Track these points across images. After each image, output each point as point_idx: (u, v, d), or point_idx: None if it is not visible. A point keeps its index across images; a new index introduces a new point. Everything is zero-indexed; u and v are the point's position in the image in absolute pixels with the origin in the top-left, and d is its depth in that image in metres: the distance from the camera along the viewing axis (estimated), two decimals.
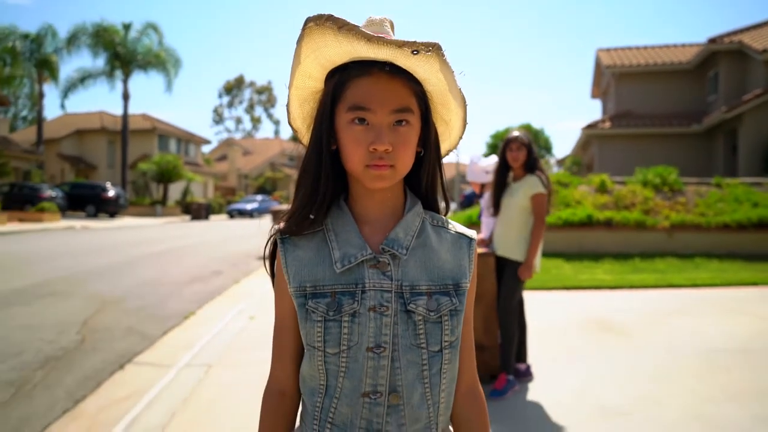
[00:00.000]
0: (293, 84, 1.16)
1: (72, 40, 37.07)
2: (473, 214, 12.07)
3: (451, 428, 1.23)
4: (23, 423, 4.00)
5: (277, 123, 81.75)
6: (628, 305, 7.67)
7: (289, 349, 1.22)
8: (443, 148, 1.25)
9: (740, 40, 23.25)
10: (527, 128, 44.54)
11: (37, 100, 38.96)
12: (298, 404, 1.25)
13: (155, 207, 37.58)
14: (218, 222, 34.66)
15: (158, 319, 7.16)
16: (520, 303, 4.69)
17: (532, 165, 4.53)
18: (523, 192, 4.45)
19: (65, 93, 38.20)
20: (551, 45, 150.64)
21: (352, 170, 1.13)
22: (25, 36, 36.35)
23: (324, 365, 1.12)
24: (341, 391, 1.12)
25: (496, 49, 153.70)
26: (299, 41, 1.06)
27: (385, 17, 1.18)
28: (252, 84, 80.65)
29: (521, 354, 4.71)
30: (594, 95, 35.31)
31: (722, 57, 24.09)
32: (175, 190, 42.70)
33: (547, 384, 4.64)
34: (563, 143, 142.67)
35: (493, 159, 5.10)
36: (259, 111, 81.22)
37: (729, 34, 24.22)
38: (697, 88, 26.14)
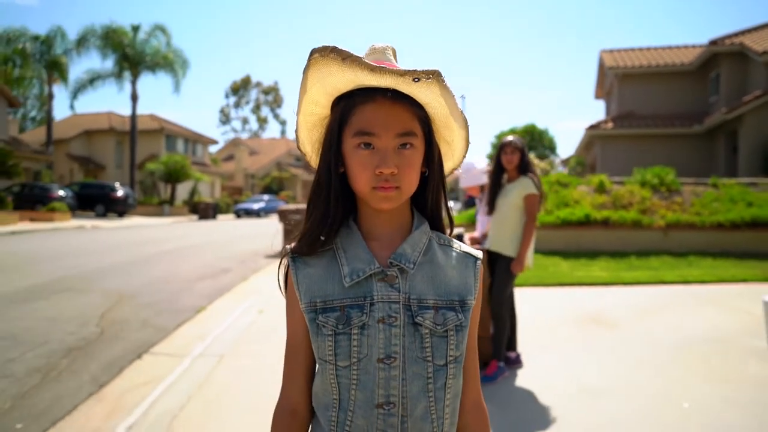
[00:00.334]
0: (301, 111, 1.21)
1: (81, 42, 37.48)
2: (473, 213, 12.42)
3: None
4: (54, 403, 4.38)
5: (283, 123, 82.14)
6: (619, 300, 8.02)
7: (301, 368, 1.25)
8: (447, 167, 1.30)
9: (741, 42, 23.52)
10: (532, 128, 44.75)
11: (46, 101, 39.45)
12: (309, 424, 1.27)
13: (163, 207, 37.99)
14: (226, 221, 35.05)
15: (172, 312, 7.54)
16: (511, 296, 5.05)
17: (524, 167, 4.90)
18: (516, 192, 4.81)
19: (75, 94, 38.62)
20: (557, 45, 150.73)
21: (360, 192, 1.17)
22: (36, 38, 36.78)
23: (336, 379, 1.15)
24: (355, 404, 1.14)
25: (502, 49, 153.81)
26: (305, 71, 1.10)
27: (387, 45, 1.24)
28: (258, 84, 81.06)
29: (512, 343, 5.08)
30: (598, 96, 35.58)
31: (723, 58, 24.35)
32: (182, 190, 43.10)
33: (535, 370, 5.01)
34: (568, 143, 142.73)
35: (485, 162, 5.46)
36: (265, 111, 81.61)
37: (730, 36, 24.48)
38: (699, 89, 26.40)
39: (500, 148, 4.90)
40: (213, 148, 61.09)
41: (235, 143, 67.59)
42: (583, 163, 30.84)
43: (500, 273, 4.83)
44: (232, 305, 8.02)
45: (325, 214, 1.19)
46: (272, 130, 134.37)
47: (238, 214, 42.41)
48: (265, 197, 46.86)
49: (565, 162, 40.21)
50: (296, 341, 1.24)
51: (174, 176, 38.54)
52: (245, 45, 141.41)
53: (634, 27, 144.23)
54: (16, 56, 36.38)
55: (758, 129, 21.42)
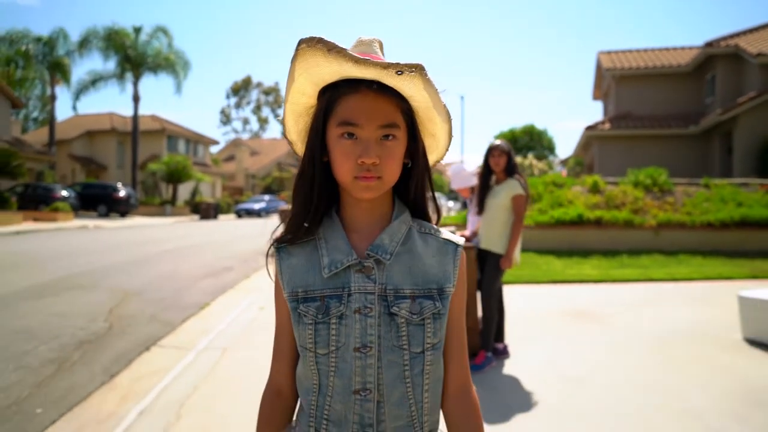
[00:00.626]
0: (288, 100, 1.24)
1: (84, 43, 37.75)
2: None
3: (444, 429, 1.30)
4: (69, 391, 4.68)
5: (284, 124, 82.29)
6: (607, 297, 8.33)
7: (286, 352, 1.30)
8: (431, 159, 1.32)
9: (736, 44, 23.81)
10: (531, 128, 45.09)
11: (48, 101, 39.74)
12: (295, 404, 1.33)
13: (165, 207, 38.28)
14: (227, 221, 35.31)
15: (177, 308, 7.84)
16: (500, 290, 5.35)
17: (511, 170, 5.20)
18: (505, 193, 5.11)
19: (77, 95, 38.91)
20: (556, 46, 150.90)
21: (342, 181, 1.20)
22: (38, 39, 37.07)
23: (316, 365, 1.20)
24: (333, 390, 1.19)
25: (501, 49, 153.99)
26: (293, 61, 1.12)
27: (374, 38, 1.27)
28: (259, 85, 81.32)
29: (499, 335, 5.38)
30: (595, 97, 35.87)
31: (719, 60, 24.64)
32: (184, 190, 43.39)
33: (521, 360, 5.32)
34: (568, 143, 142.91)
35: (476, 164, 5.77)
36: (266, 112, 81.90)
37: (725, 38, 24.77)
38: (695, 90, 26.69)
39: (488, 152, 5.21)
40: (214, 149, 61.43)
41: (236, 144, 67.86)
42: (581, 164, 31.15)
43: (489, 269, 5.12)
44: (234, 302, 8.31)
45: (308, 201, 1.23)
46: (273, 130, 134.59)
47: (239, 214, 42.67)
48: (266, 197, 47.08)
49: (563, 162, 40.53)
50: (282, 327, 1.29)
51: (175, 176, 38.84)
52: (246, 46, 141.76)
53: (634, 27, 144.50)
54: (19, 57, 36.73)
55: (752, 130, 21.70)
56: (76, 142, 43.07)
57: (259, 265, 12.56)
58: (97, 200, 33.23)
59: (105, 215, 32.94)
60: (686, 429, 3.78)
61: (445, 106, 1.18)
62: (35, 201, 28.17)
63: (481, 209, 5.28)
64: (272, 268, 1.28)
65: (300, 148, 1.32)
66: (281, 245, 1.27)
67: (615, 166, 23.36)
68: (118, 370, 5.25)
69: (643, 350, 5.64)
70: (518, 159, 26.72)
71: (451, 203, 43.74)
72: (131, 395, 4.63)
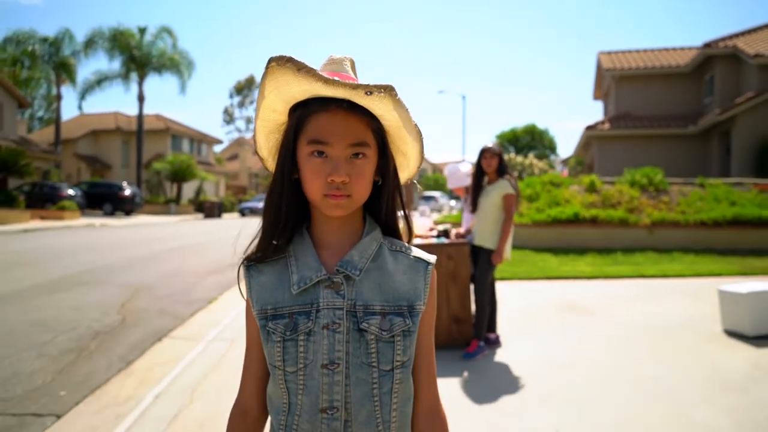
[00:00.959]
0: (259, 116, 1.24)
1: (89, 44, 38.20)
2: None
3: None
4: (89, 377, 5.02)
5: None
6: (599, 292, 8.66)
7: (255, 370, 1.29)
8: (402, 176, 1.33)
9: (734, 45, 24.05)
10: (532, 128, 45.45)
11: (53, 100, 40.09)
12: (262, 425, 1.32)
13: (169, 205, 38.67)
14: (231, 220, 35.64)
15: (185, 303, 8.18)
16: (492, 283, 5.68)
17: (502, 171, 5.54)
18: (496, 193, 5.45)
19: (83, 95, 39.35)
20: (558, 45, 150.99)
21: (312, 199, 1.20)
22: (44, 39, 37.51)
23: (285, 384, 1.18)
24: (301, 408, 1.17)
25: (503, 49, 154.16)
26: (263, 78, 1.13)
27: (345, 56, 1.27)
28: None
29: (492, 325, 5.71)
30: (596, 97, 36.12)
31: (717, 61, 24.88)
32: (188, 189, 43.73)
33: (512, 349, 5.66)
34: (569, 143, 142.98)
35: (469, 165, 6.11)
36: None
37: (724, 39, 25.02)
38: (694, 91, 26.92)
39: (480, 154, 5.54)
40: (217, 148, 61.79)
41: (239, 143, 68.22)
42: (582, 163, 31.42)
43: (482, 263, 5.46)
44: (240, 297, 8.62)
45: (277, 219, 1.22)
46: None
47: (243, 212, 42.94)
48: None
49: (565, 162, 40.83)
50: (252, 346, 1.28)
51: (180, 175, 39.20)
52: (249, 45, 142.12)
53: (635, 28, 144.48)
54: (25, 57, 37.16)
55: (750, 130, 21.96)
56: (81, 142, 43.43)
57: None
58: (102, 199, 33.62)
59: (110, 214, 33.31)
60: (663, 410, 4.11)
61: (416, 125, 1.20)
62: (42, 200, 28.55)
63: (474, 208, 5.61)
64: (243, 286, 1.27)
65: (271, 165, 1.32)
66: (251, 263, 1.25)
67: (615, 166, 23.62)
68: (133, 359, 5.59)
69: (630, 341, 5.97)
70: (519, 158, 27.08)
71: (453, 202, 44.06)
72: (147, 381, 4.97)
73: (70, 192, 30.08)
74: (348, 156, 1.16)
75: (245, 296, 1.27)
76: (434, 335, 1.29)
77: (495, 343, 5.69)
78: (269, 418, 1.27)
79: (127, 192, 33.69)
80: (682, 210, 14.32)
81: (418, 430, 1.26)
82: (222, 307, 8.00)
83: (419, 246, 1.38)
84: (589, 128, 27.29)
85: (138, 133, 39.75)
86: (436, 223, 14.98)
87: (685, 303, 7.83)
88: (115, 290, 9.00)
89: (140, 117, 39.79)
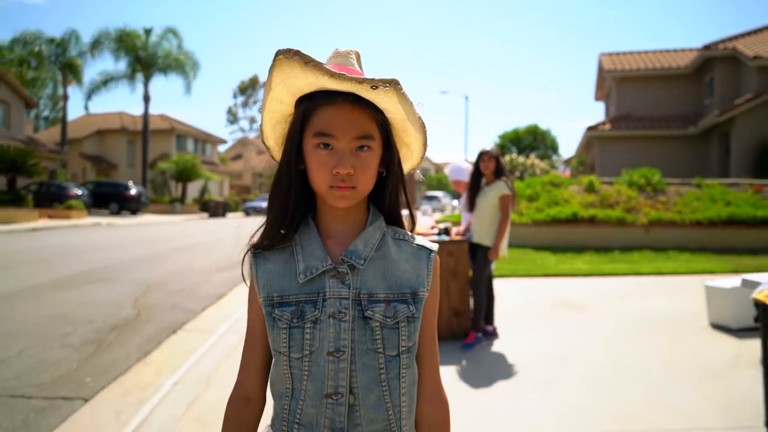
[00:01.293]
0: (266, 107, 1.26)
1: (95, 45, 38.56)
2: None
3: None
4: (111, 365, 5.34)
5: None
6: (595, 288, 8.98)
7: (257, 357, 1.30)
8: (406, 168, 1.35)
9: (734, 47, 24.33)
10: (534, 129, 45.68)
11: (59, 100, 40.47)
12: (262, 411, 1.33)
13: (174, 205, 39.01)
14: (235, 219, 35.96)
15: (197, 298, 8.51)
16: (489, 278, 6.01)
17: (499, 172, 5.87)
18: (493, 193, 5.77)
19: (89, 95, 39.72)
20: (561, 46, 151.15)
21: (317, 190, 1.23)
22: (51, 40, 37.89)
23: (289, 369, 1.21)
24: (306, 394, 1.20)
25: (505, 50, 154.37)
26: (270, 70, 1.15)
27: (351, 49, 1.29)
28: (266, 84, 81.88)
29: (489, 318, 6.04)
30: (597, 97, 36.41)
31: (717, 62, 25.16)
32: (192, 189, 44.07)
33: (509, 341, 5.98)
34: (572, 144, 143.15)
35: (468, 164, 6.46)
36: None
37: (723, 41, 25.29)
38: (695, 92, 27.19)
39: (479, 157, 5.87)
40: (221, 148, 62.14)
41: (243, 143, 68.53)
42: (584, 163, 31.69)
43: (479, 259, 5.78)
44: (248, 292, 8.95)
45: (284, 208, 1.25)
46: None
47: (247, 212, 43.24)
48: None
49: (567, 162, 41.06)
50: (254, 332, 1.30)
51: (185, 175, 39.54)
52: (253, 45, 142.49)
53: (636, 29, 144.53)
54: (32, 58, 37.56)
55: (749, 131, 22.23)
56: (86, 141, 43.79)
57: None
58: (108, 198, 34.01)
59: (116, 213, 33.71)
60: (649, 395, 4.43)
61: (419, 118, 1.21)
62: (49, 199, 28.96)
63: (472, 207, 5.94)
64: (247, 272, 1.30)
65: (277, 154, 1.34)
66: (257, 251, 1.28)
67: (615, 166, 23.87)
68: (150, 349, 5.91)
69: (622, 334, 6.29)
70: (521, 159, 27.36)
71: (455, 202, 44.33)
72: (165, 369, 5.29)
73: (77, 191, 30.50)
74: (353, 148, 1.19)
75: (248, 283, 1.30)
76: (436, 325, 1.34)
77: (492, 334, 6.01)
78: (270, 404, 1.30)
79: (133, 191, 34.10)
80: (679, 210, 14.63)
81: (421, 413, 1.29)
82: (231, 302, 8.32)
83: None
84: (590, 129, 27.59)
85: (143, 133, 40.09)
86: (438, 222, 15.34)
87: (676, 299, 8.14)
88: (128, 286, 9.32)
89: (146, 117, 40.13)
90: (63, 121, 39.46)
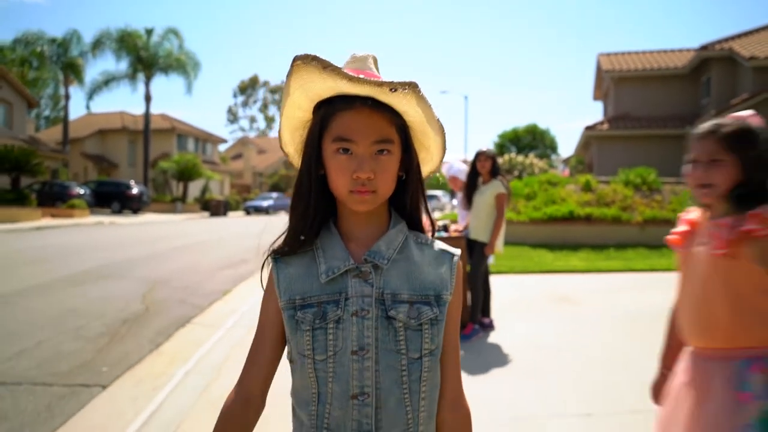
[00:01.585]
0: (284, 114, 1.27)
1: (97, 45, 38.87)
2: None
3: None
4: (125, 356, 5.60)
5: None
6: (589, 284, 9.26)
7: (263, 359, 1.30)
8: (425, 171, 1.34)
9: (730, 47, 24.53)
10: (533, 128, 45.98)
11: (60, 100, 40.72)
12: (258, 416, 1.31)
13: (176, 204, 39.30)
14: (236, 218, 36.26)
15: (203, 294, 8.77)
16: (486, 273, 6.28)
17: (495, 172, 6.14)
18: (489, 192, 6.05)
19: (90, 95, 40.03)
20: (560, 46, 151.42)
21: (338, 195, 1.23)
22: (53, 40, 38.18)
23: (314, 372, 1.20)
24: (332, 396, 1.19)
25: (504, 49, 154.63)
26: (288, 76, 1.15)
27: (368, 54, 1.29)
28: (266, 83, 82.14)
29: (486, 310, 6.32)
30: (596, 97, 36.61)
31: (714, 63, 25.34)
32: (193, 188, 44.34)
33: (505, 333, 6.26)
34: (571, 143, 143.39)
35: (462, 164, 6.77)
36: (272, 110, 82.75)
37: (720, 41, 25.50)
38: (692, 92, 27.36)
39: (475, 157, 6.14)
40: (222, 147, 62.38)
41: (243, 142, 68.74)
42: (583, 162, 31.94)
43: (476, 255, 6.06)
44: (253, 289, 9.20)
45: (305, 214, 1.24)
46: None
47: (248, 211, 43.51)
48: (274, 195, 47.84)
49: (566, 161, 41.33)
50: (263, 335, 1.31)
51: (186, 174, 39.83)
52: (252, 45, 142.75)
53: (634, 29, 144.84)
54: (34, 58, 37.85)
55: None
56: (88, 141, 44.05)
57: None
58: (110, 197, 34.27)
59: (118, 212, 33.97)
60: (632, 380, 4.69)
61: (438, 120, 1.21)
62: (52, 198, 29.24)
63: (468, 205, 6.21)
64: (266, 276, 1.30)
65: (297, 160, 1.32)
66: (278, 256, 1.28)
67: (613, 165, 24.06)
68: (161, 341, 6.18)
69: (612, 326, 6.58)
70: (520, 158, 27.63)
71: (455, 201, 44.58)
72: (177, 360, 5.55)
73: (80, 190, 30.80)
74: (373, 153, 1.18)
75: (265, 287, 1.30)
76: None
77: (489, 326, 6.28)
78: (295, 413, 1.29)
79: (135, 191, 34.37)
80: (674, 208, 14.91)
81: (441, 420, 1.28)
82: (236, 298, 8.58)
83: None
84: (588, 128, 27.83)
85: (145, 132, 40.40)
86: (437, 219, 15.67)
87: (667, 293, 8.33)
88: (135, 283, 9.58)
89: (147, 117, 40.42)
90: (65, 120, 39.78)
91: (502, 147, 43.40)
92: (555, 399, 4.39)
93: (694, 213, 2.05)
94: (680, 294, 2.04)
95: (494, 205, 6.02)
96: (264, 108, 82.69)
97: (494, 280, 7.00)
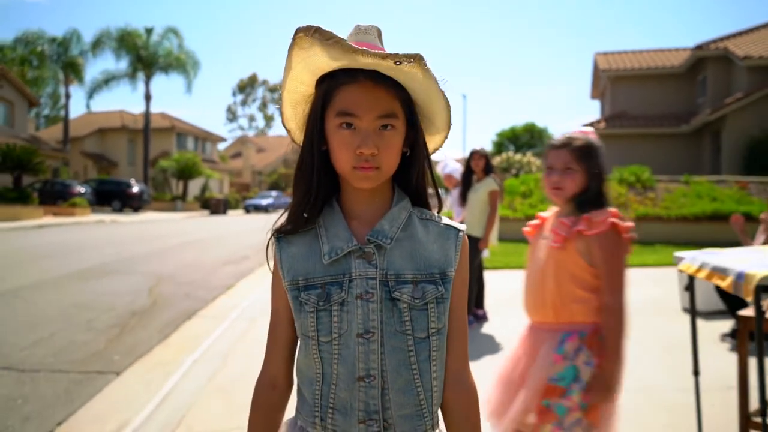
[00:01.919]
0: (285, 88, 1.24)
1: (97, 44, 39.14)
2: None
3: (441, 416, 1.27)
4: (135, 346, 5.88)
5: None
6: None
7: (282, 342, 1.29)
8: (430, 146, 1.30)
9: (725, 47, 24.81)
10: (531, 127, 46.28)
11: (59, 98, 40.96)
12: (288, 397, 1.32)
13: (176, 202, 39.62)
14: (236, 217, 36.53)
15: (207, 289, 9.05)
16: (480, 266, 6.57)
17: (488, 170, 6.43)
18: (483, 189, 6.34)
19: (90, 94, 40.34)
20: (558, 46, 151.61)
21: (341, 171, 1.20)
22: (53, 40, 38.45)
23: (318, 353, 1.18)
24: (338, 377, 1.18)
25: (503, 48, 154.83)
26: (290, 49, 1.12)
27: (372, 25, 1.24)
28: (265, 82, 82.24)
29: (480, 302, 6.61)
30: (593, 96, 36.82)
31: (709, 62, 25.62)
32: (193, 186, 44.62)
33: (497, 323, 6.56)
34: None
35: (455, 161, 7.09)
36: (272, 109, 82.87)
37: (715, 41, 25.78)
38: (688, 91, 27.60)
39: (470, 156, 6.43)
40: (221, 146, 62.63)
41: (242, 141, 68.91)
42: None
43: (471, 249, 6.30)
44: (255, 283, 9.50)
45: (308, 191, 1.21)
46: (278, 127, 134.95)
47: (248, 209, 43.72)
48: (273, 193, 48.06)
49: None
50: (278, 317, 1.29)
51: (186, 173, 40.12)
52: (252, 44, 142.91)
53: (632, 27, 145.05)
54: (34, 57, 38.10)
55: (739, 129, 22.69)
56: (87, 140, 44.25)
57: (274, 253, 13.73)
58: (111, 196, 34.50)
59: (119, 210, 34.21)
60: None
61: (443, 94, 1.18)
62: (53, 196, 29.45)
63: (463, 202, 6.50)
64: (271, 257, 1.28)
65: (298, 136, 1.30)
66: (280, 235, 1.26)
67: (610, 164, 24.05)
68: (169, 332, 6.46)
69: None
70: (518, 156, 27.91)
71: (450, 199, 44.77)
72: (184, 349, 5.83)
73: (81, 189, 31.03)
74: (377, 128, 1.15)
75: (272, 268, 1.28)
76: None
77: (482, 318, 6.58)
78: (299, 390, 1.29)
79: (135, 189, 34.62)
80: (666, 206, 15.22)
81: (447, 396, 1.26)
82: (240, 292, 8.86)
83: None
84: (585, 127, 28.05)
85: (145, 131, 40.64)
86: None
87: (656, 287, 8.70)
88: (141, 278, 9.86)
89: (147, 116, 40.67)
90: (65, 119, 40.03)
91: (500, 145, 43.68)
92: None
93: (549, 211, 2.45)
94: (526, 277, 2.46)
95: (488, 201, 6.31)
96: (263, 107, 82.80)
97: (490, 275, 7.29)
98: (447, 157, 7.41)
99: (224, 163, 58.58)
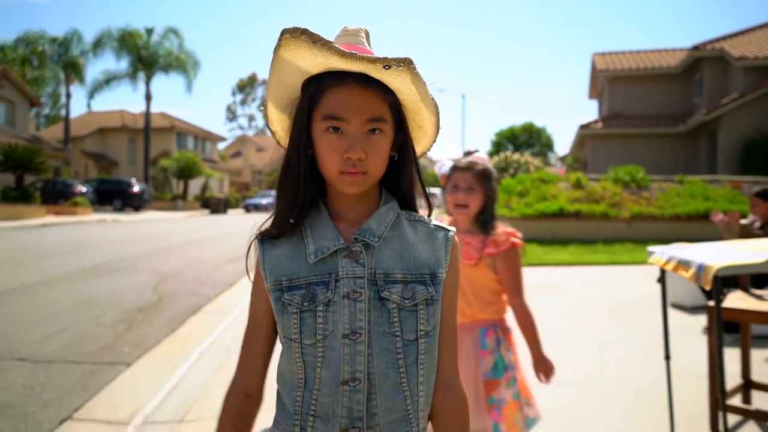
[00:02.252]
0: (270, 90, 1.21)
1: (98, 44, 39.35)
2: None
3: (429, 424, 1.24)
4: (143, 340, 6.12)
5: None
6: (574, 275, 9.84)
7: (258, 349, 1.26)
8: (418, 150, 1.28)
9: (721, 47, 25.04)
10: (530, 126, 46.52)
11: (60, 98, 41.14)
12: (258, 409, 1.28)
13: (176, 202, 39.85)
14: (236, 216, 36.71)
15: (210, 285, 9.29)
16: None
17: None
18: None
19: (91, 94, 40.56)
20: (557, 46, 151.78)
21: (327, 176, 1.17)
22: (54, 40, 38.64)
23: (301, 357, 1.14)
24: (320, 382, 1.14)
25: (502, 48, 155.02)
26: (276, 51, 1.09)
27: (360, 27, 1.22)
28: (264, 82, 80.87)
29: None
30: (591, 96, 37.09)
31: (706, 62, 25.85)
32: (194, 186, 44.84)
33: None
34: (568, 141, 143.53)
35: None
36: None
37: (711, 42, 26.00)
38: (685, 91, 27.85)
39: (465, 155, 6.67)
40: (221, 145, 62.82)
41: (242, 140, 69.08)
42: (578, 160, 32.46)
43: None
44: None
45: (294, 196, 1.19)
46: None
47: (248, 208, 43.87)
48: (273, 193, 48.01)
49: (562, 159, 41.84)
50: (256, 324, 1.27)
51: (186, 172, 40.33)
52: (251, 43, 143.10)
53: (630, 28, 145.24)
54: (35, 57, 38.30)
55: (735, 129, 22.91)
56: (88, 139, 44.42)
57: None
58: (112, 195, 34.68)
59: (120, 210, 34.40)
60: (604, 358, 5.25)
61: (433, 98, 1.15)
62: (55, 196, 29.64)
63: None
64: (252, 265, 1.25)
65: (284, 140, 1.28)
66: (265, 238, 1.23)
67: (607, 163, 24.43)
68: (176, 327, 6.69)
69: (590, 312, 7.16)
70: (515, 156, 28.14)
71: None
72: (191, 343, 6.07)
73: (82, 188, 31.22)
74: (364, 132, 1.13)
75: (251, 275, 1.27)
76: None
77: None
78: (279, 397, 1.24)
79: (136, 189, 34.82)
80: (660, 205, 15.48)
81: (433, 407, 1.22)
82: (243, 289, 9.07)
83: None
84: (583, 127, 28.34)
85: (145, 131, 40.84)
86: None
87: (646, 284, 8.92)
88: (145, 276, 10.09)
89: (147, 115, 40.87)
90: (66, 119, 40.21)
91: (498, 145, 43.91)
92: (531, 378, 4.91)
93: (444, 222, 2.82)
94: None
95: None
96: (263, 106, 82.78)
97: None
98: (444, 158, 7.68)
99: (224, 162, 58.78)
